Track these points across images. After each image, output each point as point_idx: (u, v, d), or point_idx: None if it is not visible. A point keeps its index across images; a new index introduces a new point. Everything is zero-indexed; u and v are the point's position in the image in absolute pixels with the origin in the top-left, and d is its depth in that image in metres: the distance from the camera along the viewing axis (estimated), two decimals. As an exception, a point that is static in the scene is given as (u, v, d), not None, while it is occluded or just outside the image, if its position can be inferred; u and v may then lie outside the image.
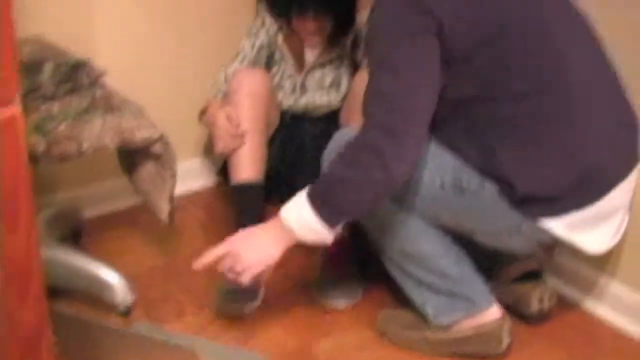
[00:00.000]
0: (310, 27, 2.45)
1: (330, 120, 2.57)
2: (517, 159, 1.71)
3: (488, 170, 1.74)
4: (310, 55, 2.56)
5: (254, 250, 1.83)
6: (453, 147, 1.80)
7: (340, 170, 1.73)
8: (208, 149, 2.79)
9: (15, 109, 0.93)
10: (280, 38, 2.54)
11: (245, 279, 1.84)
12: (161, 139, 1.89)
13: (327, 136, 2.30)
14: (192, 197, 2.72)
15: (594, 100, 1.76)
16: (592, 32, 1.83)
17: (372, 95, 1.73)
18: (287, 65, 2.55)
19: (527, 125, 1.72)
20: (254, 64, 2.51)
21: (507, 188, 1.72)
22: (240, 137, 2.30)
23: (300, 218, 1.77)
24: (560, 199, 1.72)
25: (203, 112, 2.47)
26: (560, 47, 1.74)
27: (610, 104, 1.80)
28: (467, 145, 1.77)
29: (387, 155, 1.66)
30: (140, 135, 1.85)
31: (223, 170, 2.56)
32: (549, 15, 1.77)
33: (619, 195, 1.78)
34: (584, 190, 1.73)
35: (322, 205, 1.74)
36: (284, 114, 2.55)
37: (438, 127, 1.76)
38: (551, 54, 1.73)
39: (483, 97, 1.73)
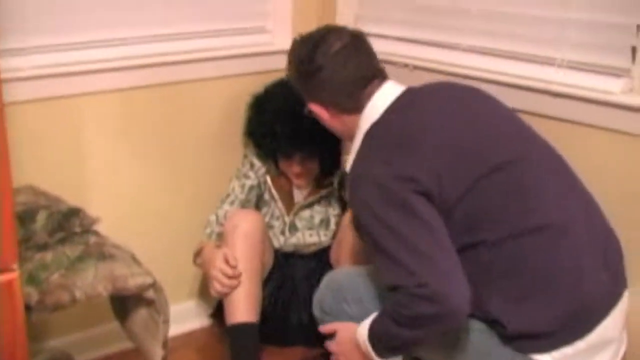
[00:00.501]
0: (296, 170, 2.51)
1: (321, 258, 2.59)
2: (504, 301, 1.72)
3: (475, 312, 1.74)
4: (298, 195, 2.61)
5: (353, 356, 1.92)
6: None
7: (393, 329, 1.76)
8: (201, 291, 2.79)
9: (13, 275, 0.95)
10: (268, 179, 2.59)
11: None
12: (154, 285, 1.89)
13: (318, 274, 2.33)
14: (186, 339, 2.70)
15: (577, 237, 1.78)
16: (569, 170, 1.88)
17: (392, 272, 1.73)
18: (276, 206, 2.59)
19: (512, 268, 1.74)
20: (244, 205, 2.55)
21: (497, 327, 1.73)
22: (237, 278, 2.31)
23: (366, 349, 1.85)
24: (551, 336, 1.72)
25: (197, 254, 2.49)
26: (543, 189, 1.78)
27: (593, 236, 1.81)
28: None
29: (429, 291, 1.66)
30: (134, 282, 1.86)
31: (217, 311, 2.56)
32: (526, 156, 1.82)
33: (611, 325, 1.78)
34: (574, 325, 1.73)
35: (382, 352, 1.82)
36: (275, 254, 2.57)
37: None
38: (534, 197, 1.76)
39: (467, 244, 1.75)
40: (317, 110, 2.01)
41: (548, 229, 1.74)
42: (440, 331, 1.71)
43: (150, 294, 1.91)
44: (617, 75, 1.97)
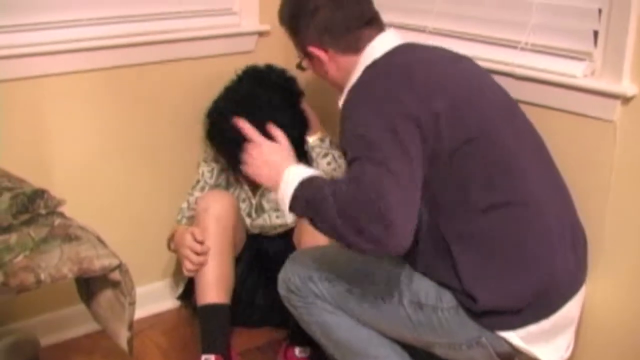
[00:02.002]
0: None
1: (287, 237, 2.60)
2: (478, 273, 1.75)
3: (449, 282, 1.77)
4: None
5: (262, 168, 1.91)
6: (414, 257, 1.82)
7: (331, 215, 1.66)
8: (169, 273, 2.80)
9: None
10: None
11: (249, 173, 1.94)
12: (120, 266, 1.89)
13: (284, 255, 2.34)
14: (153, 321, 2.70)
15: (551, 217, 1.81)
16: (545, 150, 1.91)
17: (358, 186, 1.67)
18: (242, 189, 2.60)
19: (489, 240, 1.76)
20: (214, 189, 2.56)
21: (468, 301, 1.75)
22: (206, 254, 2.31)
23: (283, 190, 1.80)
24: (519, 313, 1.75)
25: (170, 239, 2.50)
26: (523, 165, 1.81)
27: (564, 220, 1.85)
28: (431, 257, 1.80)
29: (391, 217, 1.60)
30: (99, 263, 1.85)
31: (185, 293, 2.57)
32: (513, 132, 1.85)
33: (573, 308, 1.83)
34: (542, 304, 1.76)
35: (295, 205, 1.77)
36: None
37: None
38: (516, 172, 1.80)
39: (448, 207, 1.77)
40: (317, 53, 1.98)
41: (526, 206, 1.77)
42: (364, 249, 1.64)
43: (116, 275, 1.90)
44: (580, 59, 1.98)
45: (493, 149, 1.79)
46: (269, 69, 2.57)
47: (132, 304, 1.95)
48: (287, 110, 2.46)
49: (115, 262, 1.88)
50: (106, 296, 1.98)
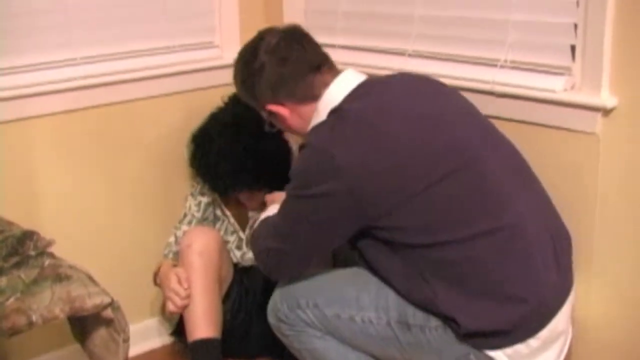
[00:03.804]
0: (245, 197, 2.56)
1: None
2: (457, 300, 1.75)
3: (430, 309, 1.77)
4: (252, 212, 2.61)
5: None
6: (393, 287, 1.84)
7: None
8: (162, 309, 2.78)
9: None
10: (217, 198, 2.61)
11: None
12: (112, 304, 1.89)
13: (275, 284, 2.34)
14: (147, 358, 2.69)
15: (531, 235, 1.80)
16: (523, 165, 1.92)
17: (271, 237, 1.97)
18: (229, 222, 2.60)
19: (466, 268, 1.76)
20: (202, 223, 2.56)
21: (452, 324, 1.75)
22: (188, 298, 2.31)
23: None
24: (504, 334, 1.74)
25: (156, 274, 2.49)
26: (499, 188, 1.81)
27: (545, 233, 1.85)
28: (407, 286, 1.81)
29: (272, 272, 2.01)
30: (91, 302, 1.85)
31: (178, 329, 2.55)
32: (486, 155, 1.84)
33: (561, 320, 1.83)
34: (527, 325, 1.76)
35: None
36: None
37: (381, 267, 1.82)
38: (490, 198, 1.80)
39: (422, 243, 1.78)
40: (275, 109, 2.00)
41: (502, 231, 1.77)
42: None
43: (108, 313, 1.90)
44: (559, 74, 2.01)
45: (470, 180, 1.79)
46: None
47: (126, 340, 1.95)
48: (273, 138, 2.47)
49: (107, 299, 1.88)
50: (100, 334, 1.97)
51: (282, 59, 1.95)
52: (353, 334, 1.89)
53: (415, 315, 1.80)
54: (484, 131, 1.92)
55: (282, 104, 1.99)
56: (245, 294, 2.58)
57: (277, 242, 1.93)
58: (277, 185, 2.51)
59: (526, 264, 1.77)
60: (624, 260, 1.97)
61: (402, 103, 1.89)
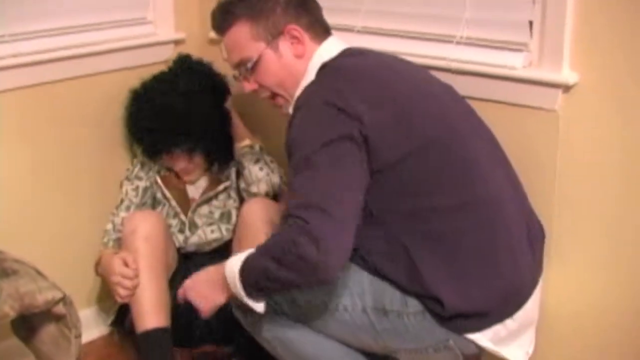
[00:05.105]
0: (181, 165, 2.46)
1: (223, 253, 2.52)
2: (442, 276, 1.71)
3: (413, 288, 1.73)
4: (194, 192, 2.53)
5: (202, 295, 1.87)
6: (374, 265, 1.77)
7: (272, 269, 1.65)
8: (99, 299, 2.66)
9: None
10: (158, 179, 2.51)
11: (203, 310, 1.89)
12: (64, 299, 1.78)
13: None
14: (86, 349, 2.54)
15: (511, 215, 1.79)
16: (499, 146, 1.90)
17: (295, 196, 1.67)
18: (170, 205, 2.50)
19: (451, 241, 1.73)
20: (140, 208, 2.45)
21: (434, 305, 1.71)
22: (137, 277, 2.22)
23: (235, 287, 1.74)
24: (485, 314, 1.72)
25: (97, 264, 2.38)
26: (481, 163, 1.79)
27: (521, 217, 1.84)
28: (390, 263, 1.75)
29: (319, 235, 1.57)
30: (42, 297, 1.75)
31: (117, 319, 2.45)
32: (468, 130, 1.83)
33: (533, 306, 1.83)
34: (506, 303, 1.74)
35: (251, 292, 1.73)
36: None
37: (359, 246, 1.72)
38: (473, 170, 1.77)
39: (407, 211, 1.73)
40: (295, 32, 1.90)
41: (485, 204, 1.75)
42: (309, 280, 1.64)
43: (59, 308, 1.79)
44: (516, 50, 1.99)
45: (455, 150, 1.76)
46: (200, 60, 2.52)
47: (79, 336, 1.86)
48: (215, 102, 2.44)
49: (58, 294, 1.78)
50: (49, 331, 1.87)
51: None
52: (326, 323, 1.83)
53: (393, 301, 1.75)
54: (466, 108, 1.91)
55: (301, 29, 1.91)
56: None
57: (313, 217, 1.59)
58: (213, 151, 2.46)
59: (507, 240, 1.76)
60: (583, 239, 1.98)
61: (395, 64, 1.89)
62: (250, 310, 1.84)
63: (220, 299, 1.85)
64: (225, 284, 1.78)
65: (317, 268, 1.58)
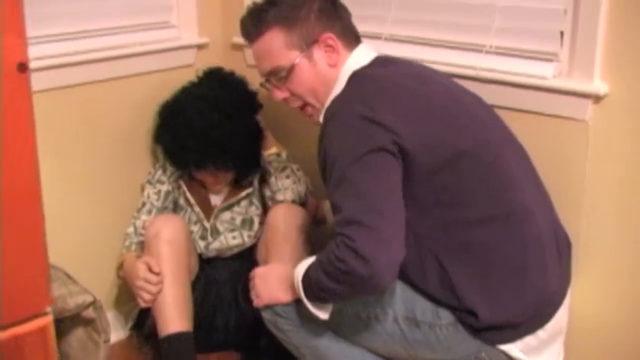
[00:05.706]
0: (210, 179, 2.44)
1: (243, 259, 2.52)
2: (476, 287, 1.71)
3: (446, 300, 1.72)
4: (215, 198, 2.52)
5: (268, 287, 1.90)
6: (406, 275, 1.76)
7: (325, 282, 1.68)
8: (118, 302, 2.66)
9: (46, 320, 0.85)
10: (183, 184, 2.49)
11: (260, 300, 1.91)
12: (94, 303, 1.77)
13: (240, 275, 2.26)
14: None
15: (541, 226, 1.79)
16: (527, 156, 1.90)
17: (337, 213, 1.66)
18: (192, 211, 2.49)
19: (483, 253, 1.72)
20: (162, 212, 2.44)
21: (468, 317, 1.71)
22: (162, 283, 2.21)
23: (299, 292, 1.77)
24: (517, 325, 1.72)
25: (120, 267, 2.37)
26: (512, 174, 1.79)
27: (550, 227, 1.84)
28: (422, 274, 1.75)
29: (365, 250, 1.57)
30: (73, 301, 1.74)
31: (137, 323, 2.44)
32: (499, 141, 1.83)
33: (563, 316, 1.83)
34: (538, 314, 1.74)
35: (313, 298, 1.75)
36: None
37: None
38: (505, 181, 1.77)
39: (440, 222, 1.73)
40: (330, 41, 1.90)
41: (516, 216, 1.75)
42: (362, 293, 1.68)
43: (89, 312, 1.79)
44: (547, 60, 1.98)
45: (488, 161, 1.76)
46: (232, 74, 2.48)
47: (107, 341, 1.85)
48: (246, 117, 2.39)
49: (89, 298, 1.77)
50: (77, 335, 1.86)
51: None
52: (356, 331, 1.83)
53: (425, 312, 1.75)
54: (497, 119, 1.90)
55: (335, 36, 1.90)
56: (209, 285, 2.49)
57: (358, 234, 1.59)
58: (243, 167, 2.44)
59: (538, 251, 1.76)
60: (611, 250, 1.97)
61: (425, 74, 1.89)
62: (280, 315, 1.84)
63: (283, 297, 1.87)
64: (292, 285, 1.80)
65: (368, 283, 1.60)
